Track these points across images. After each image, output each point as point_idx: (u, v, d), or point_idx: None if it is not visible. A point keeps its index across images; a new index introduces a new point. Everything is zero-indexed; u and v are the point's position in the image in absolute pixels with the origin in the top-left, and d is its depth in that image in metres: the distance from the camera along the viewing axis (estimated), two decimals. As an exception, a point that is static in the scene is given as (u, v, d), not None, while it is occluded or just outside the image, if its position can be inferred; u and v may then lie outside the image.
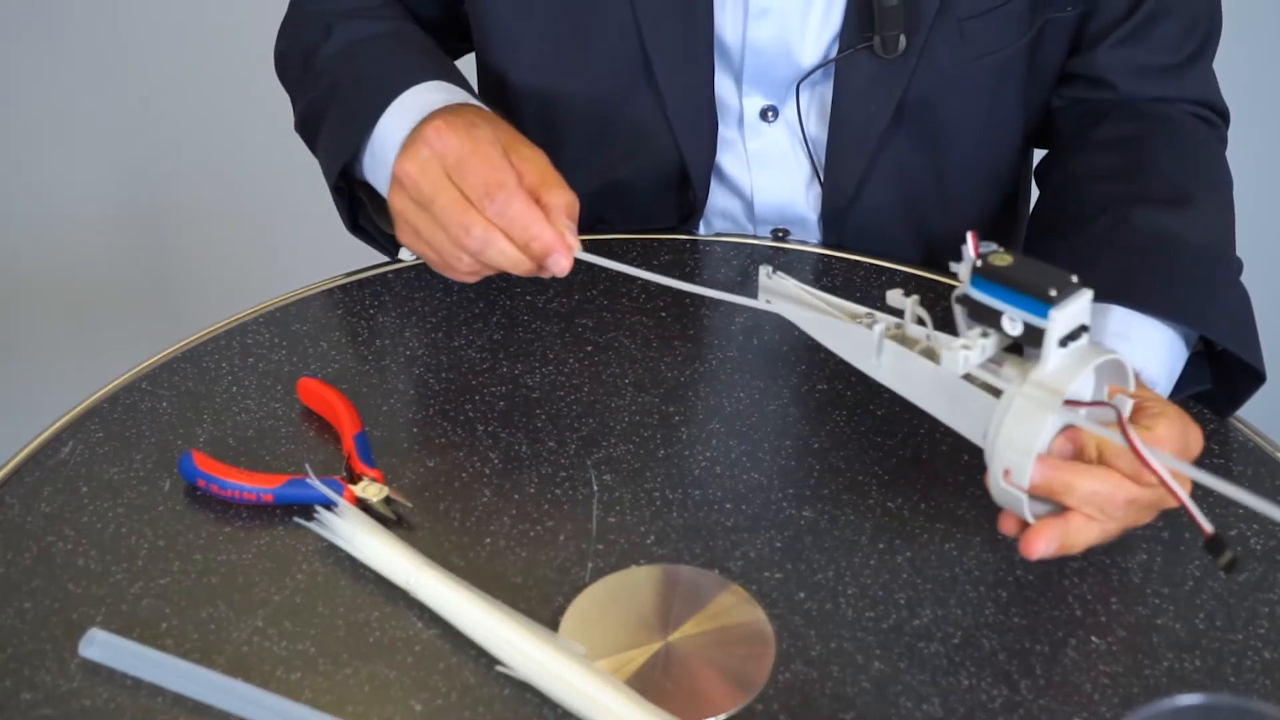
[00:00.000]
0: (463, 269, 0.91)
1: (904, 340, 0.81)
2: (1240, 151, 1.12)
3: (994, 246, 0.77)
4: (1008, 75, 1.06)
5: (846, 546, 0.86)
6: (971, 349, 0.77)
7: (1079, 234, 0.98)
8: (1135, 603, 0.83)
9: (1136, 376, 0.87)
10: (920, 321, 0.81)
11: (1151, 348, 0.90)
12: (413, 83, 0.99)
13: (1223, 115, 1.11)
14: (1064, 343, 0.75)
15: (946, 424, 0.80)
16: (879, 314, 0.83)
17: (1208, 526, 0.72)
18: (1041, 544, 0.78)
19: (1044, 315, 0.74)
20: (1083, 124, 1.08)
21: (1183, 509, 0.72)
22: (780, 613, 0.82)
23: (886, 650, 0.80)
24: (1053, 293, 0.74)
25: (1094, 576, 0.84)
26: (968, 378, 0.78)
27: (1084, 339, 0.76)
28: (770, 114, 1.08)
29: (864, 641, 0.80)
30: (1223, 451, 0.93)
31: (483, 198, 0.87)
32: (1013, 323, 0.76)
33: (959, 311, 0.79)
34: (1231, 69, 1.11)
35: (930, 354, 0.80)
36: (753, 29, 1.04)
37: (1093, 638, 0.81)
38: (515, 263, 0.88)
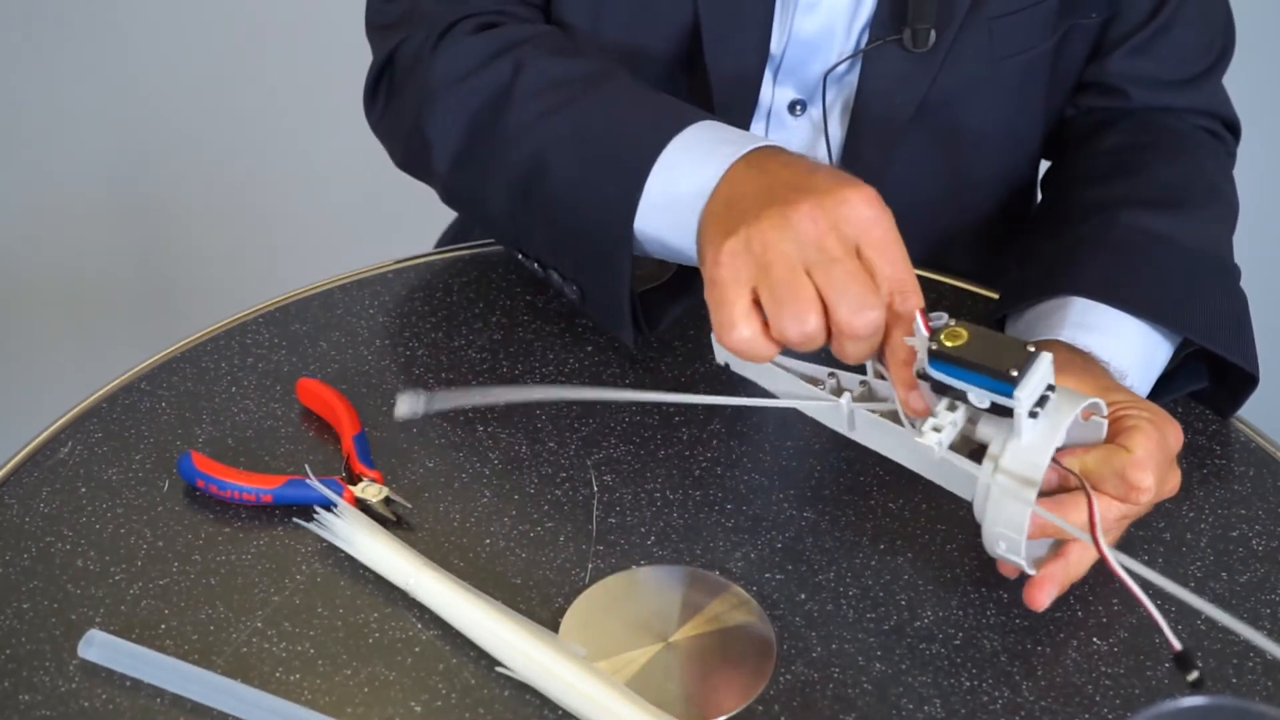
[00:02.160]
0: (796, 332, 0.77)
1: (872, 395, 0.80)
2: (1240, 153, 1.12)
3: (944, 319, 0.76)
4: (1031, 79, 1.06)
5: (847, 547, 0.85)
6: (942, 429, 0.76)
7: (1066, 233, 0.98)
8: (1137, 604, 0.83)
9: (1106, 369, 0.87)
10: (880, 376, 0.80)
11: (1118, 335, 0.90)
12: (690, 120, 0.88)
13: (1233, 129, 1.10)
14: (1034, 412, 0.75)
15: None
16: (841, 374, 0.82)
17: (1176, 643, 0.71)
18: (1045, 596, 0.79)
19: (1009, 394, 0.74)
20: (1091, 132, 1.08)
21: (1151, 621, 0.72)
22: (781, 614, 0.81)
23: (888, 651, 0.80)
24: (1014, 373, 0.73)
25: (1095, 577, 0.84)
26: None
27: (1053, 397, 0.76)
28: (798, 108, 1.08)
29: (865, 643, 0.80)
30: (1224, 452, 0.93)
31: (895, 292, 0.77)
32: (980, 398, 0.75)
33: (923, 385, 0.77)
34: (1233, 69, 1.11)
35: (897, 416, 0.79)
36: (799, 21, 1.03)
37: (1094, 639, 0.81)
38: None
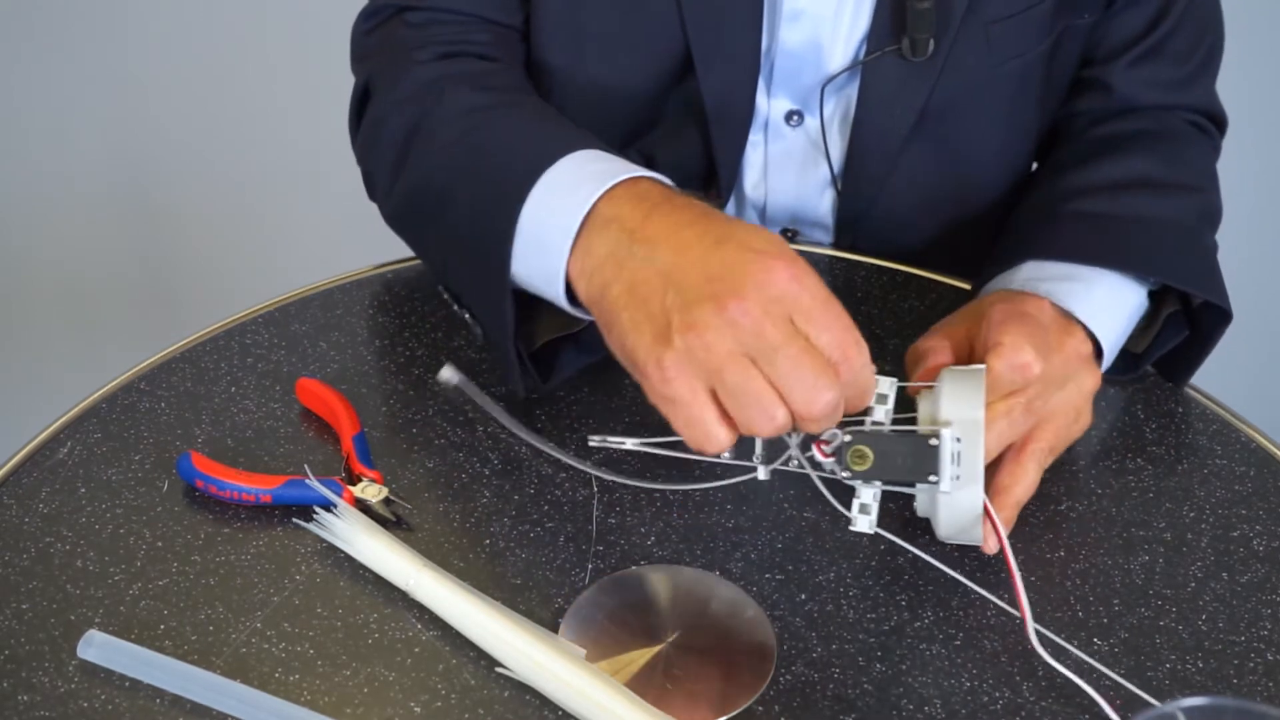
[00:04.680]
0: (768, 428, 0.74)
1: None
2: (1240, 153, 1.12)
3: (839, 438, 0.77)
4: (1028, 81, 1.06)
5: (847, 548, 0.85)
6: (869, 509, 0.79)
7: (1038, 213, 1.00)
8: (1137, 604, 0.83)
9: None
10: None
11: (1072, 278, 0.92)
12: (563, 151, 0.85)
13: (1220, 124, 1.11)
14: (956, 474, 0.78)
15: None
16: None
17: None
18: (1002, 528, 0.81)
19: (936, 485, 0.78)
20: (1083, 129, 1.08)
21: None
22: (781, 614, 0.81)
23: (888, 652, 0.80)
24: (932, 477, 0.77)
25: (1096, 578, 0.84)
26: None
27: (962, 444, 0.78)
28: (795, 118, 1.07)
29: (865, 643, 0.80)
30: (1225, 452, 0.93)
31: (838, 360, 0.74)
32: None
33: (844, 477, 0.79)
34: (1230, 69, 1.11)
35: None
36: (785, 32, 1.03)
37: (1095, 640, 0.80)
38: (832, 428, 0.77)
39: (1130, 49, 1.06)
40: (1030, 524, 0.87)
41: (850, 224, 1.11)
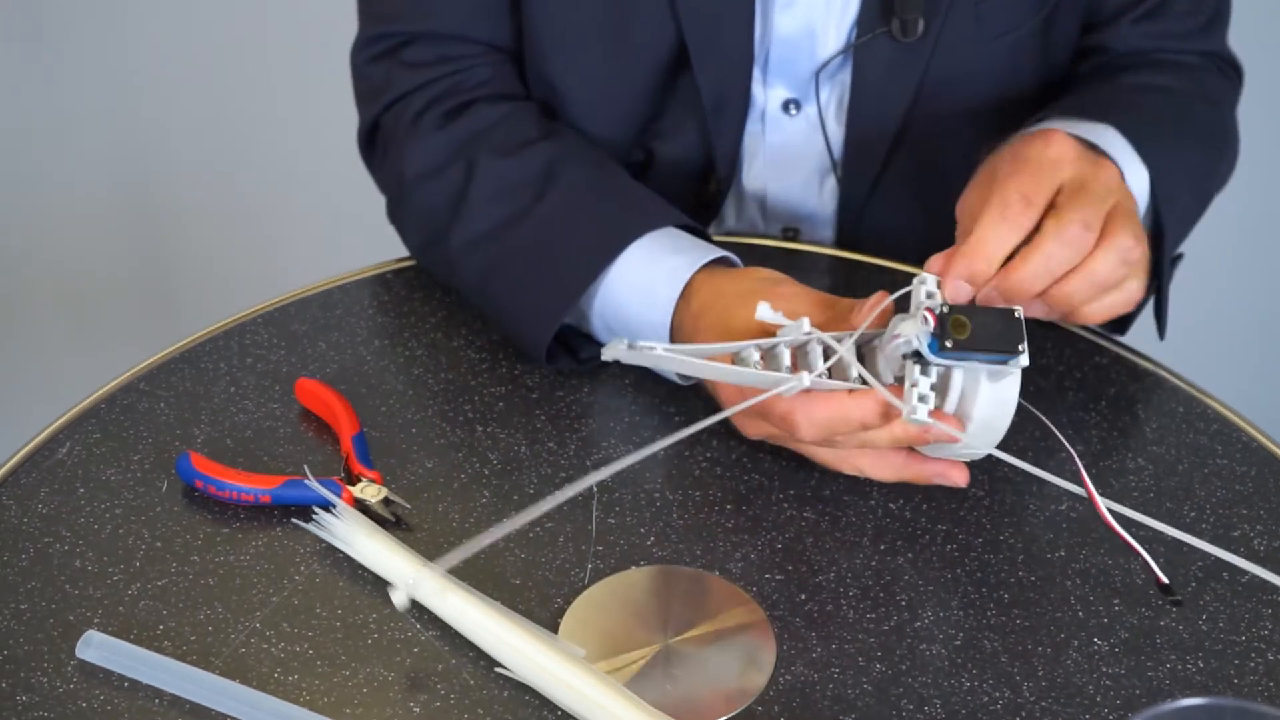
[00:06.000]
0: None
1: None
2: (1241, 155, 1.12)
3: (940, 302, 0.78)
4: (1022, 57, 1.06)
5: (847, 548, 0.85)
6: (927, 399, 0.78)
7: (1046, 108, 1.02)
8: (1138, 604, 0.83)
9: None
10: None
11: (1094, 133, 0.93)
12: (644, 229, 0.96)
13: (1238, 71, 1.11)
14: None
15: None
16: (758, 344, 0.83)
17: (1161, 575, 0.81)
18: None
19: (1006, 363, 0.78)
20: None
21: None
22: (781, 614, 0.81)
23: (888, 652, 0.79)
24: (1020, 347, 0.77)
25: (1096, 578, 0.84)
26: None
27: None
28: (793, 107, 1.07)
29: (865, 643, 0.80)
30: (1226, 452, 0.93)
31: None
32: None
33: (909, 366, 0.79)
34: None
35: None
36: (778, 19, 1.03)
37: (1095, 639, 0.80)
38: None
39: (1132, 8, 1.06)
40: (1030, 524, 0.87)
41: (852, 213, 1.11)
